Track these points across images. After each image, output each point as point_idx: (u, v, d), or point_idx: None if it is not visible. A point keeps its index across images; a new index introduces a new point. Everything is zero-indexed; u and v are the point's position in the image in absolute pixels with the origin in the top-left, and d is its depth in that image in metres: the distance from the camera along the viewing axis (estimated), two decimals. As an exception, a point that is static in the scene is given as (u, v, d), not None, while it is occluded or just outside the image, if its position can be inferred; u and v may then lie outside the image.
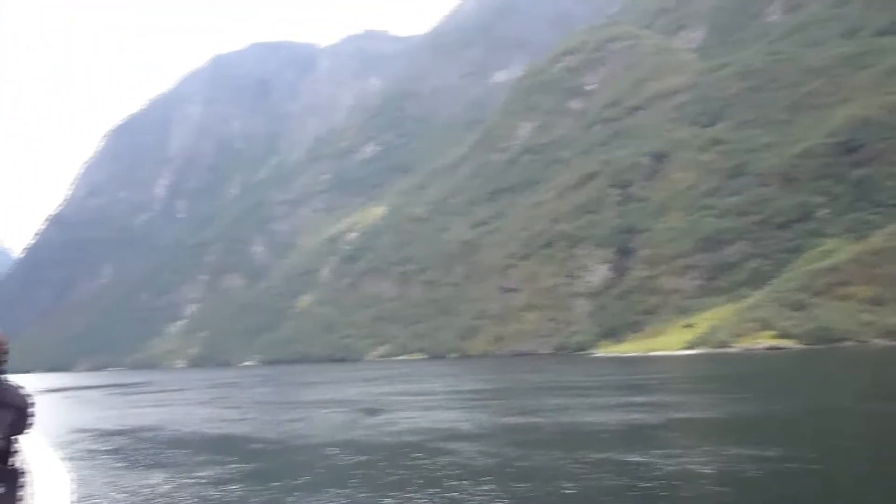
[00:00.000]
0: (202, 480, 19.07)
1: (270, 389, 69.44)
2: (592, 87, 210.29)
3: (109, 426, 35.62)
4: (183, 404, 51.77)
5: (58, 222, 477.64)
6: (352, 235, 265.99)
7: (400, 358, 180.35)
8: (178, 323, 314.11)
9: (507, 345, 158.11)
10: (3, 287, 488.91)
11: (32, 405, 4.18)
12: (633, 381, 53.26)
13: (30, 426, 4.21)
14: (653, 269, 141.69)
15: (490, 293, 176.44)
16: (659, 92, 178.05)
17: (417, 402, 42.00)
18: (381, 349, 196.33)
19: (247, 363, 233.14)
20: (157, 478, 19.96)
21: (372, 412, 36.31)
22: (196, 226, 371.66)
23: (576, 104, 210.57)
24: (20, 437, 4.17)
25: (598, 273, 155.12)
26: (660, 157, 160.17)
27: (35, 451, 4.53)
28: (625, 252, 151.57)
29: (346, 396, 50.00)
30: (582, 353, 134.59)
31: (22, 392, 4.11)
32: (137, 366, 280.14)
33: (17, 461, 4.10)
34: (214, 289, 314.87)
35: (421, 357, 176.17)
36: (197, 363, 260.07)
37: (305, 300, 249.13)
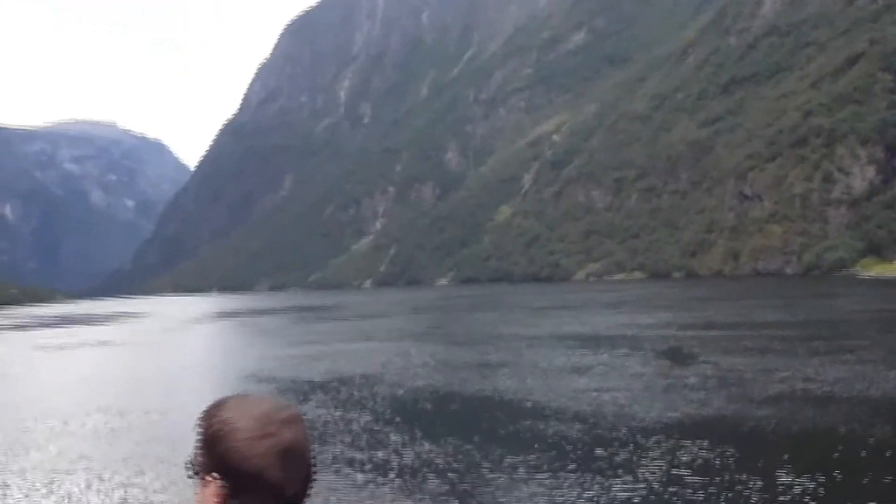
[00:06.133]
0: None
1: (489, 316, 62.23)
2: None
3: (310, 374, 28.95)
4: (391, 338, 45.08)
5: (233, 131, 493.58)
6: (558, 138, 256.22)
7: (615, 277, 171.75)
8: (365, 239, 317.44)
9: (744, 263, 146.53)
10: (180, 203, 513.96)
11: None
12: None
13: None
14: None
15: (724, 202, 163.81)
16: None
17: (718, 339, 33.06)
18: (593, 267, 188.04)
19: (440, 282, 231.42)
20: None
21: (676, 357, 27.87)
22: (383, 131, 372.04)
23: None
24: None
25: (862, 176, 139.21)
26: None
27: None
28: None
29: (602, 329, 41.63)
30: (841, 273, 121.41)
31: None
32: (321, 285, 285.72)
33: None
34: (404, 200, 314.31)
35: (640, 276, 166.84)
36: (385, 282, 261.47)
37: (505, 211, 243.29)
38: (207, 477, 1.79)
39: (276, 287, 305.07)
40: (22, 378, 34.98)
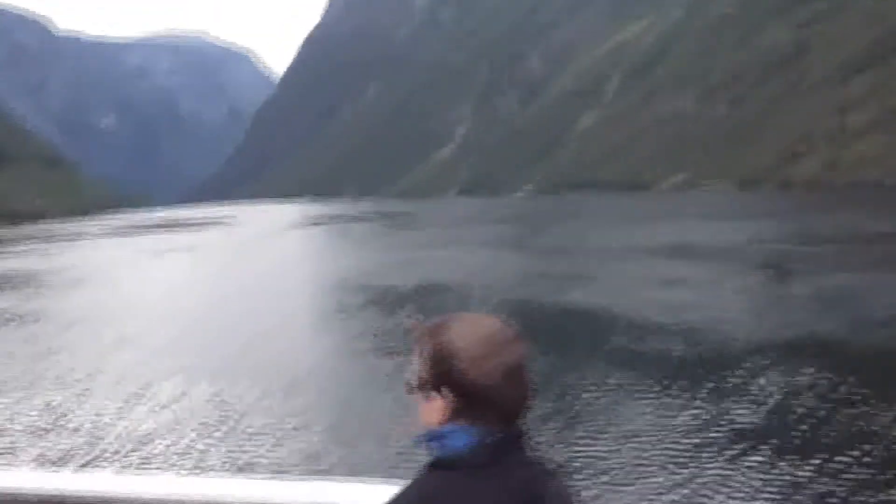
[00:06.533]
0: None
1: (573, 226, 61.00)
2: None
3: (398, 283, 28.36)
4: (476, 247, 44.17)
5: (315, 42, 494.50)
6: (642, 43, 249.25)
7: (703, 187, 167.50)
8: (446, 148, 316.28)
9: (841, 174, 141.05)
10: (267, 112, 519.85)
11: None
12: None
13: None
14: None
15: (819, 110, 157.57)
16: None
17: (820, 253, 31.36)
18: (678, 177, 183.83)
19: (521, 192, 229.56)
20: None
21: (776, 271, 26.48)
22: (462, 39, 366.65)
23: None
24: None
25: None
26: None
27: None
28: None
29: (693, 240, 40.07)
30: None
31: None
32: (403, 194, 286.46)
33: None
34: (484, 109, 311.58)
35: (728, 187, 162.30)
36: (466, 192, 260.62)
37: (587, 120, 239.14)
38: (435, 393, 1.86)
39: (361, 195, 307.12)
40: (122, 282, 35.44)
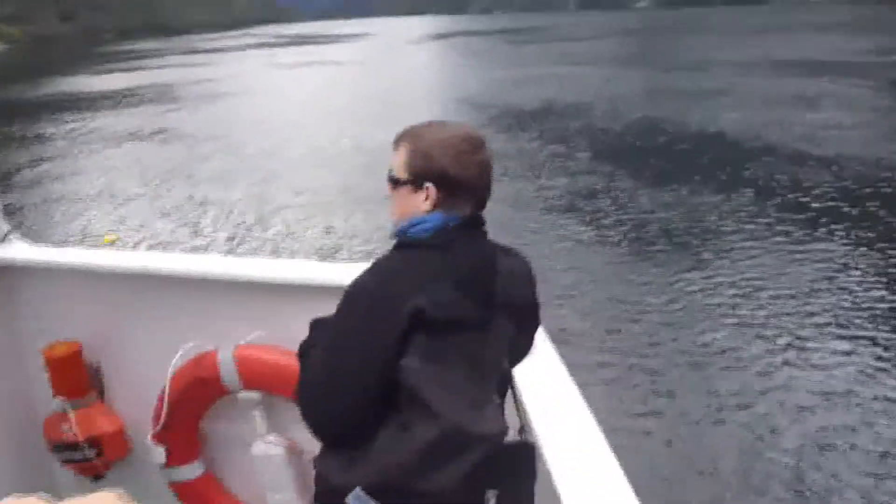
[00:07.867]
0: None
1: (695, 39, 57.51)
2: None
3: (519, 101, 27.12)
4: (597, 63, 42.17)
5: None
6: None
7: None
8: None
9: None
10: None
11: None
12: None
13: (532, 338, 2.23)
14: None
15: None
16: None
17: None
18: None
19: (641, 3, 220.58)
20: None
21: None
22: None
23: None
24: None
25: None
26: None
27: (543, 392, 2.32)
28: None
29: (820, 54, 37.46)
30: None
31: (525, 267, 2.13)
32: (525, 7, 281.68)
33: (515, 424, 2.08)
34: None
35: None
36: (586, 5, 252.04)
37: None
38: (424, 186, 1.99)
39: (485, 9, 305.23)
40: (259, 95, 35.20)
